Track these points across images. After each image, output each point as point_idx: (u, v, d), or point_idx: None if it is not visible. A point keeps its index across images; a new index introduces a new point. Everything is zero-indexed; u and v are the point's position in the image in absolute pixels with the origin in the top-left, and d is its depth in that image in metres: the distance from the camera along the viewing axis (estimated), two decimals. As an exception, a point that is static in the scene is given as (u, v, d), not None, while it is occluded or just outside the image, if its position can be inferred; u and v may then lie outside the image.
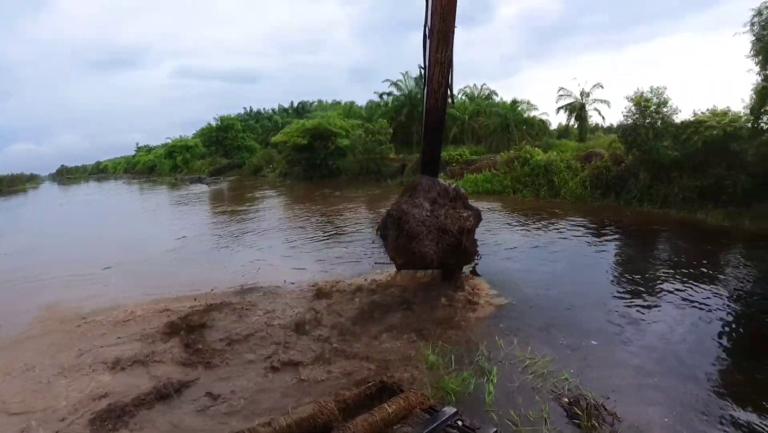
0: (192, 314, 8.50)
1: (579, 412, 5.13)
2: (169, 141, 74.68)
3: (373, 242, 14.54)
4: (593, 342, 7.14)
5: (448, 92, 6.96)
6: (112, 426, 5.21)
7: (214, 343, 7.28)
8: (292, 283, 10.46)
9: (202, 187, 43.10)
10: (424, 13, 6.34)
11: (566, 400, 5.45)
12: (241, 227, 19.14)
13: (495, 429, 3.60)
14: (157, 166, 74.36)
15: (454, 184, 9.05)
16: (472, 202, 9.30)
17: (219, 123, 61.62)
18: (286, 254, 13.72)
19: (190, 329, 7.78)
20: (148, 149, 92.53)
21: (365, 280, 10.25)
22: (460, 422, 3.55)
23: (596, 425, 4.95)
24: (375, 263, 11.62)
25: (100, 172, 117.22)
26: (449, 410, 3.71)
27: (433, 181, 8.70)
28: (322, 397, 4.78)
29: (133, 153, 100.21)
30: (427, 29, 6.44)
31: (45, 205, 43.94)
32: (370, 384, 4.42)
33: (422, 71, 7.13)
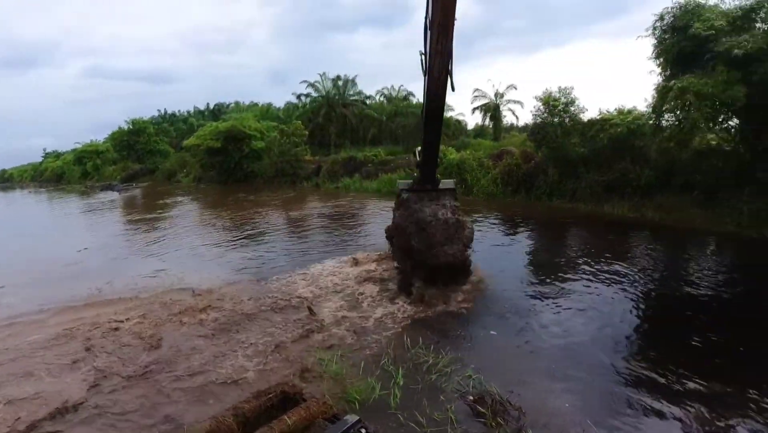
0: (92, 330, 7.91)
1: (483, 411, 4.86)
2: (79, 146, 67.47)
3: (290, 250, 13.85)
4: (492, 333, 7.00)
5: (449, 80, 6.97)
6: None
7: (108, 356, 6.78)
8: (199, 295, 9.57)
9: (112, 195, 38.46)
10: (425, 5, 6.25)
11: (471, 398, 5.20)
12: (147, 237, 17.70)
13: None
14: (66, 174, 67.01)
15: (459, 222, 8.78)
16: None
17: (131, 126, 55.88)
18: (188, 263, 12.86)
19: (87, 345, 7.26)
20: (57, 155, 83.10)
21: (271, 283, 10.01)
22: (363, 430, 3.51)
23: (501, 422, 4.69)
24: None
25: (5, 181, 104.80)
26: (351, 418, 3.64)
27: (437, 220, 8.69)
28: (221, 411, 4.38)
29: (41, 160, 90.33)
30: (427, 21, 6.38)
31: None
32: (270, 395, 4.28)
33: (422, 61, 7.15)
